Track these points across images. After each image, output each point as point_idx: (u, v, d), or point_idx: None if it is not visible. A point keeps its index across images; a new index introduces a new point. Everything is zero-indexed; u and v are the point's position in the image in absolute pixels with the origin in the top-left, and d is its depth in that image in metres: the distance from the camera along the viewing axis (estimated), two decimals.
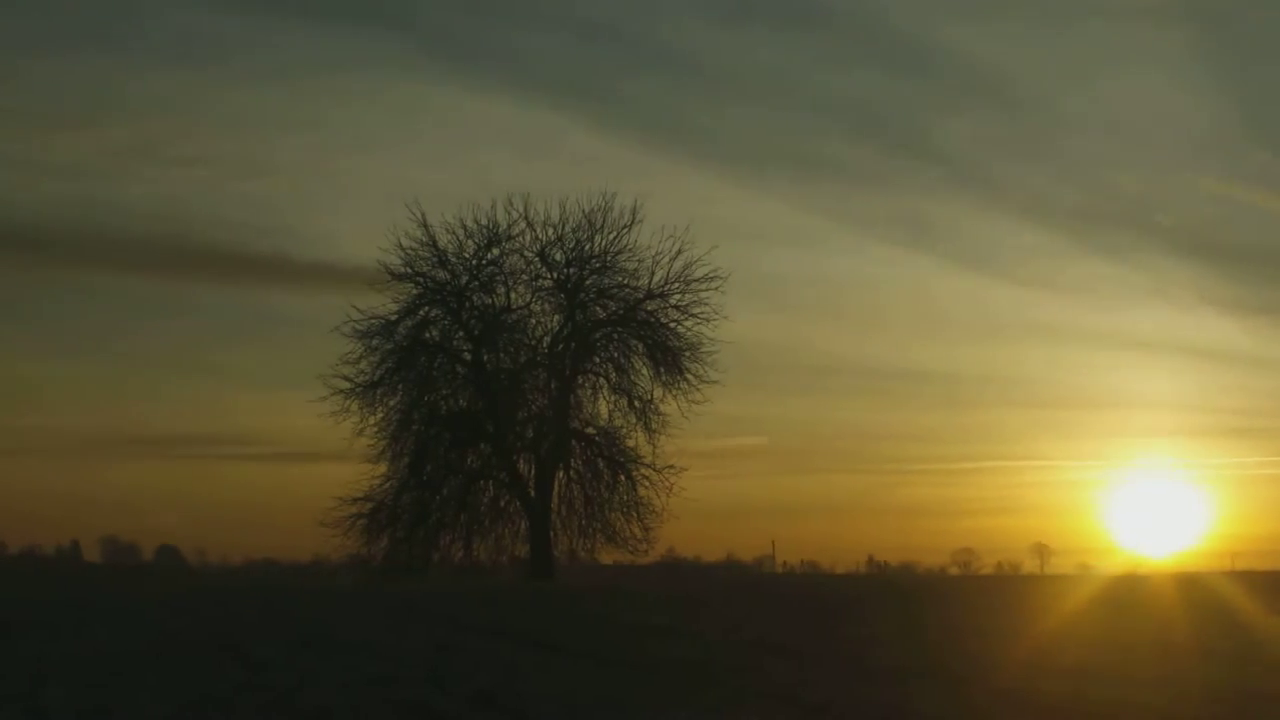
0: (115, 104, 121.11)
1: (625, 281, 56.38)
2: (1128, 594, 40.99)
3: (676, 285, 55.59)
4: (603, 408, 57.42)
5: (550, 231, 55.86)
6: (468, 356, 57.27)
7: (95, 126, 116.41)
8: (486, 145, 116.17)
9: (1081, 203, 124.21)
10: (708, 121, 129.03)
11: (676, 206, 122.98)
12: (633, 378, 56.72)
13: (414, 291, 55.88)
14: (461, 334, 57.26)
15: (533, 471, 56.62)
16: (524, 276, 56.71)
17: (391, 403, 55.69)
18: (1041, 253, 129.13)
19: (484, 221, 55.42)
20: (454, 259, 55.86)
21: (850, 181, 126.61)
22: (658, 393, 56.11)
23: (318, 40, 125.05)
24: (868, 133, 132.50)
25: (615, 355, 57.25)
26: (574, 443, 57.19)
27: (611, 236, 55.69)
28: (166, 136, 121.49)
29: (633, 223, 55.53)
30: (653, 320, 56.44)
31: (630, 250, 55.79)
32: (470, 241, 55.71)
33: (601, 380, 57.39)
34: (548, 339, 57.38)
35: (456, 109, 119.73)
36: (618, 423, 56.96)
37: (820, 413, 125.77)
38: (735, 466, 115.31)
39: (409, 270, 55.46)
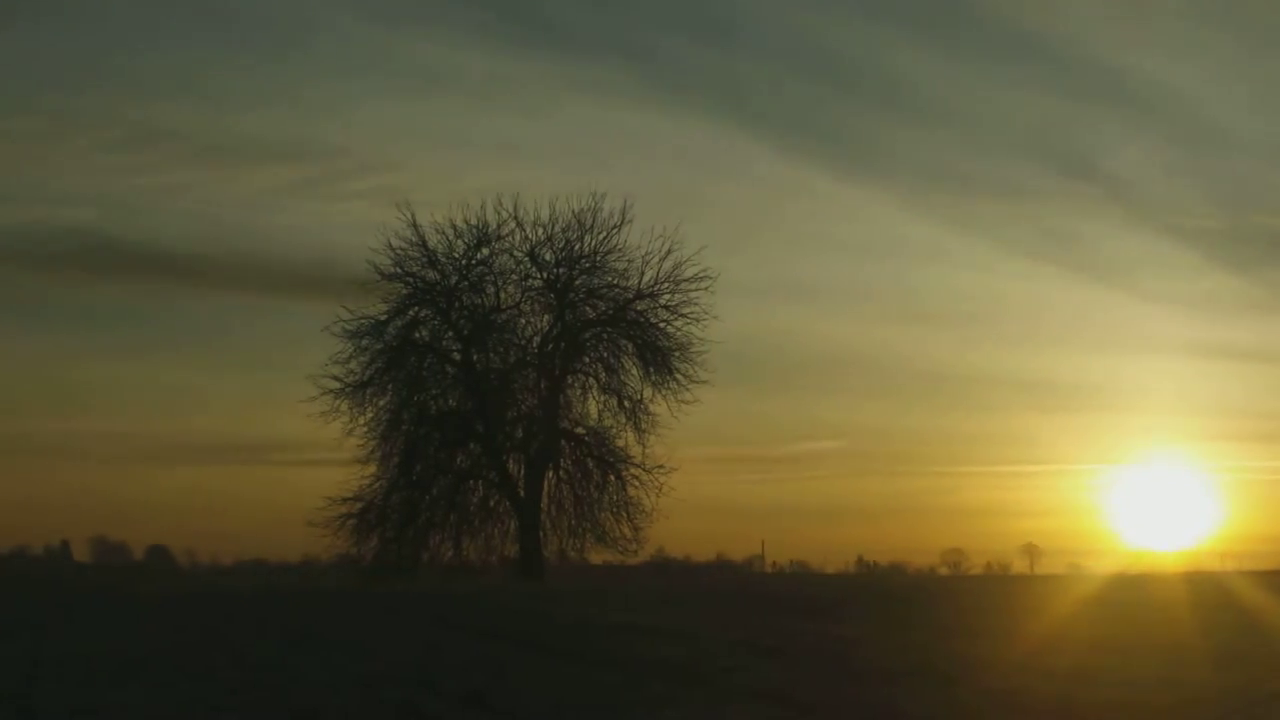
0: (307, 143, 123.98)
1: (615, 281, 56.48)
2: (1118, 593, 41.08)
3: (666, 285, 55.71)
4: (592, 408, 57.57)
5: (540, 231, 55.96)
6: (457, 356, 57.30)
7: (283, 163, 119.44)
8: (676, 167, 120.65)
9: (1224, 222, 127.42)
10: (872, 139, 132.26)
11: (845, 226, 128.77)
12: (622, 378, 56.86)
13: (403, 291, 55.95)
14: (451, 334, 57.30)
15: (522, 471, 56.65)
16: (513, 276, 56.83)
17: (381, 403, 55.76)
18: (1175, 268, 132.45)
19: (473, 221, 55.51)
20: (443, 259, 55.93)
21: (1004, 200, 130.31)
22: (647, 393, 56.24)
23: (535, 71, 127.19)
24: (1028, 153, 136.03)
25: (605, 355, 57.35)
26: (564, 442, 57.24)
27: (601, 236, 55.81)
28: (347, 172, 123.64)
29: (622, 223, 55.64)
30: (642, 320, 56.50)
31: (620, 250, 55.90)
32: (460, 241, 55.80)
33: (591, 380, 57.50)
34: (537, 339, 57.48)
35: (647, 131, 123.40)
36: (607, 423, 57.09)
37: (926, 419, 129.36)
38: (819, 469, 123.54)
39: (399, 270, 55.51)
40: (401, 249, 55.27)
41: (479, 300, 56.89)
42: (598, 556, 59.96)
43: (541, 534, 56.10)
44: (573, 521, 56.79)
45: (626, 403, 56.47)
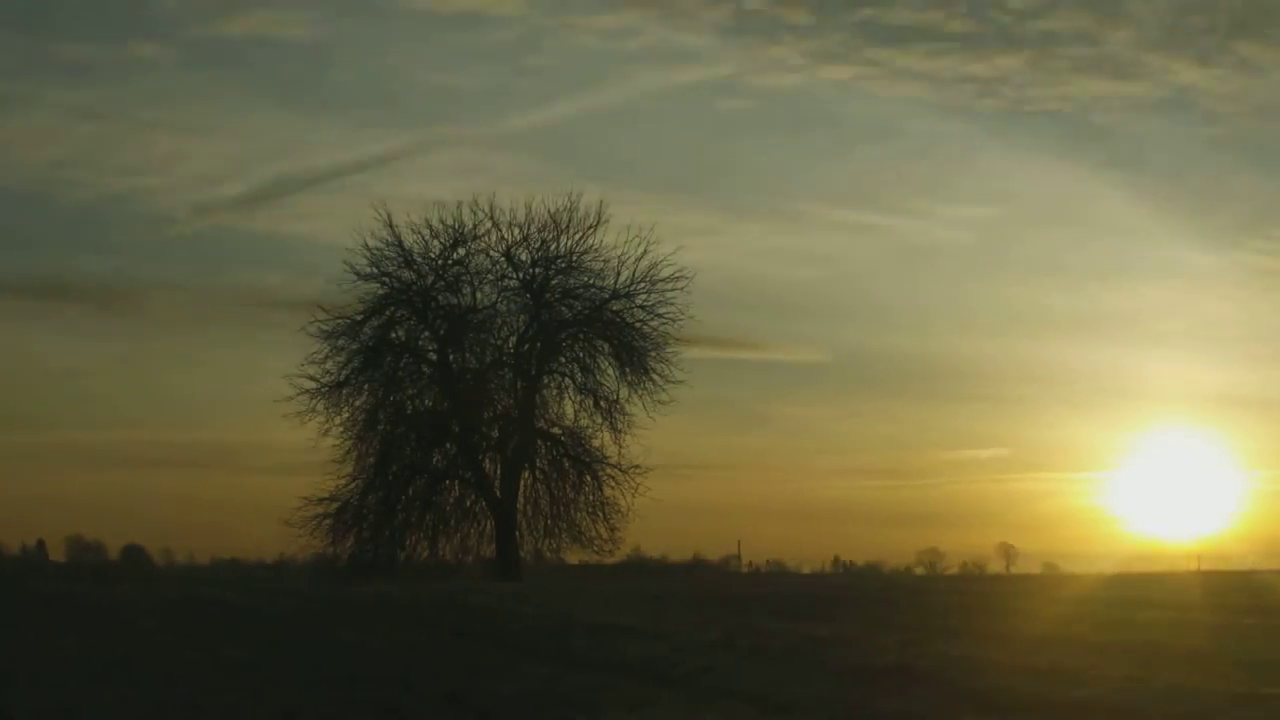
0: None
1: (591, 281, 56.51)
2: (1103, 593, 41.19)
3: (642, 285, 55.74)
4: (568, 408, 57.55)
5: (516, 232, 55.96)
6: (433, 356, 57.28)
7: None
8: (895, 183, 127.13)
9: None
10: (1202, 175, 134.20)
11: (1109, 247, 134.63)
12: (598, 378, 56.86)
13: (380, 291, 55.90)
14: (427, 334, 57.28)
15: (498, 471, 56.65)
16: (490, 276, 56.81)
17: (357, 403, 55.68)
18: None
19: (450, 221, 55.46)
20: (420, 259, 55.88)
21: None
22: (623, 393, 56.27)
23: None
24: None
25: (581, 355, 57.36)
26: (540, 442, 57.23)
27: (577, 237, 55.82)
28: None
29: (598, 223, 55.64)
30: (618, 320, 56.53)
31: (596, 250, 55.91)
32: (436, 241, 55.74)
33: (567, 380, 57.48)
34: (513, 339, 57.47)
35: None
36: (583, 423, 57.09)
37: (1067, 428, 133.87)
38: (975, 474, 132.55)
39: (375, 270, 55.46)
40: (378, 249, 55.26)
41: (455, 300, 56.90)
42: (574, 557, 60.11)
43: (518, 534, 56.12)
44: (549, 521, 56.81)
45: (602, 403, 56.56)
